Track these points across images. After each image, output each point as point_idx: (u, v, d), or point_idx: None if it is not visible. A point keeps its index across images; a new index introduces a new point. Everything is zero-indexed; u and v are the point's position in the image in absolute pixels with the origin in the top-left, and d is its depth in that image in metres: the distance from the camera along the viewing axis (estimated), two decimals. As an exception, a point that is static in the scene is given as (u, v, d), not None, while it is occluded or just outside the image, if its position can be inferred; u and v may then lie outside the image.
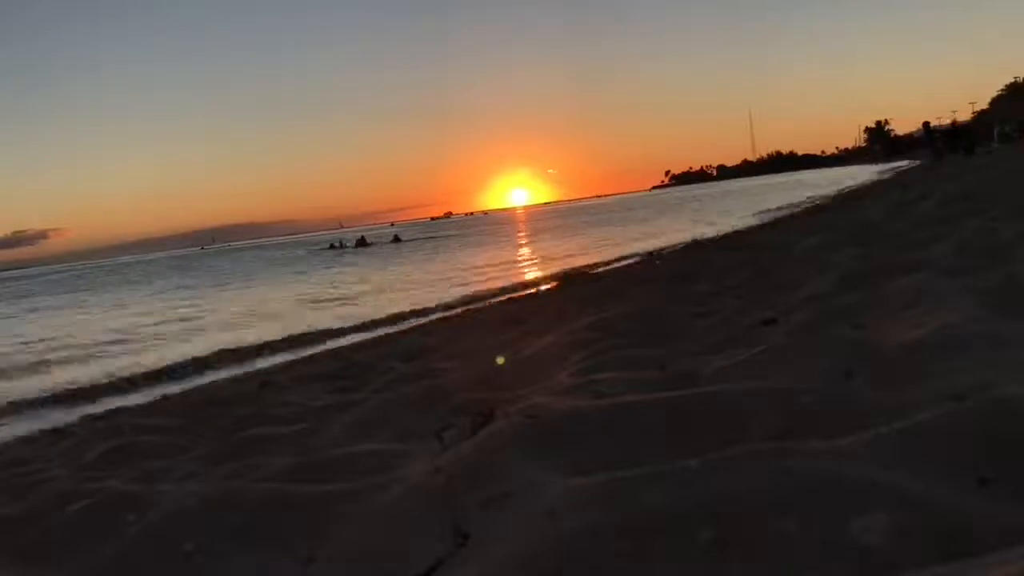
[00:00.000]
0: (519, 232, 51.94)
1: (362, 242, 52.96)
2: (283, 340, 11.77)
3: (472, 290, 16.50)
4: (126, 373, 10.85)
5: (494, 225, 78.79)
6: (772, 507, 1.42)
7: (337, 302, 18.06)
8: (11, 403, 9.42)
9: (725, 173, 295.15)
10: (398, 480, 2.25)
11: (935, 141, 32.84)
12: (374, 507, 2.11)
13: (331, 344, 10.89)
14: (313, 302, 18.71)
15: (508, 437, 2.16)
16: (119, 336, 16.55)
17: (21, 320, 25.28)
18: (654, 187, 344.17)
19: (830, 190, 34.27)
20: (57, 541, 2.31)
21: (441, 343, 7.08)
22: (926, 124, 35.09)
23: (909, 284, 3.78)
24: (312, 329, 12.78)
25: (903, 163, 57.51)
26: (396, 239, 56.15)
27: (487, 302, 13.32)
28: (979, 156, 27.56)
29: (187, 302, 23.78)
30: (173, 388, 9.15)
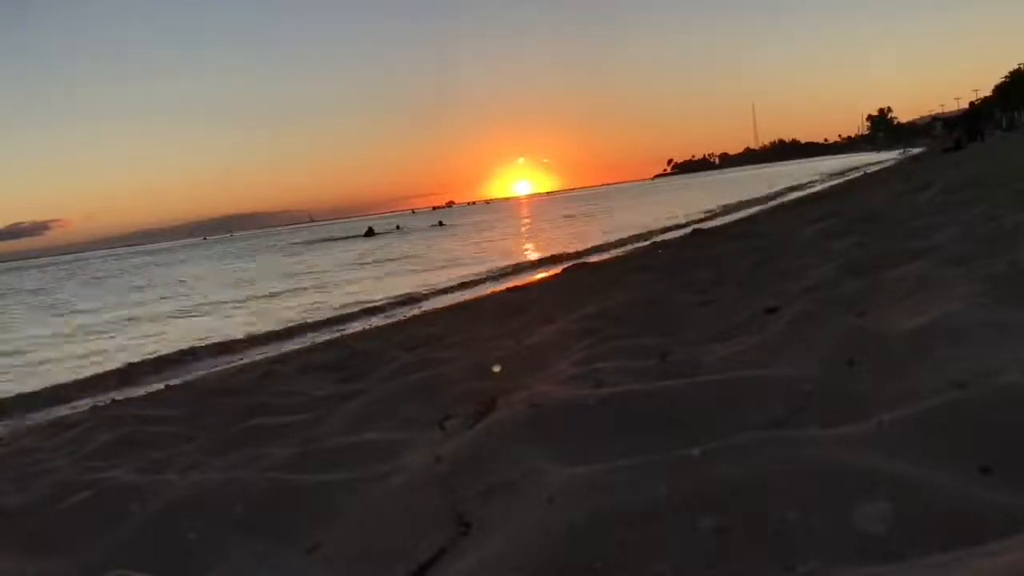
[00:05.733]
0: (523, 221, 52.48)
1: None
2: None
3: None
4: (129, 363, 10.89)
5: (498, 214, 79.74)
6: (773, 495, 1.42)
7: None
8: (13, 394, 9.46)
9: (728, 162, 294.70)
10: (401, 469, 2.25)
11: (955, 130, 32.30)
12: (377, 496, 2.11)
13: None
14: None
15: (510, 426, 2.16)
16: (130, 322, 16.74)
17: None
18: (656, 175, 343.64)
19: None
20: (60, 530, 2.32)
21: (444, 332, 7.08)
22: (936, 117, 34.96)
23: (911, 272, 3.77)
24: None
25: (911, 150, 56.78)
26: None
27: (489, 290, 13.33)
28: (977, 146, 27.36)
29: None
30: (176, 378, 9.16)
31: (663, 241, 15.65)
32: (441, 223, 60.93)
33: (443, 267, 20.52)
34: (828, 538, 1.30)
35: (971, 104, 33.01)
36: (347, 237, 56.59)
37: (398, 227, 61.56)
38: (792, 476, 1.47)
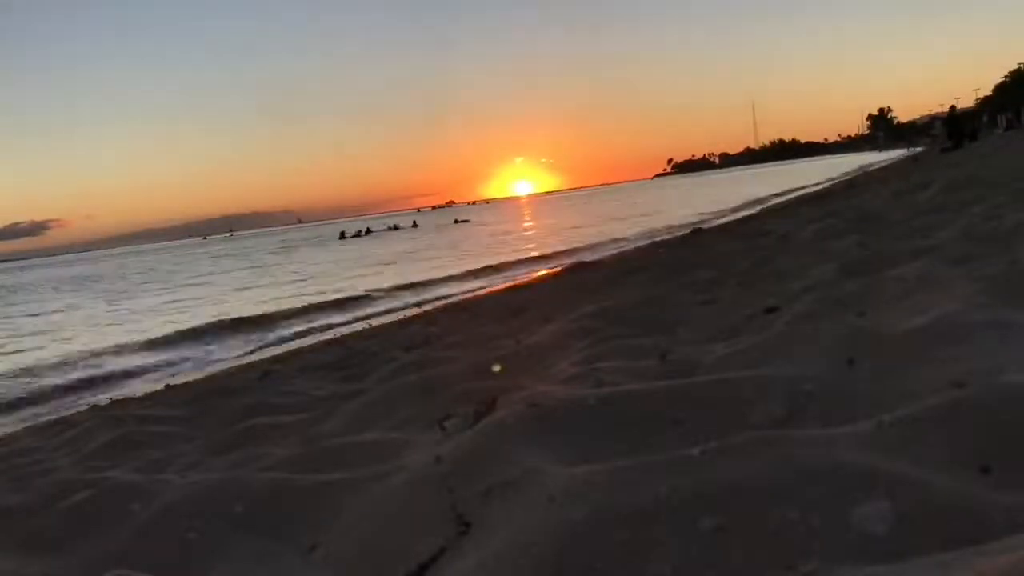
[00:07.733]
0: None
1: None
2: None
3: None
4: (130, 362, 10.90)
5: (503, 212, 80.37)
6: (774, 495, 1.42)
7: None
8: (15, 392, 9.46)
9: (728, 161, 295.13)
10: (401, 469, 2.25)
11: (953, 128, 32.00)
12: (376, 496, 2.11)
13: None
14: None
15: (510, 426, 2.16)
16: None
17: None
18: (656, 175, 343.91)
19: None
20: (60, 530, 2.32)
21: (443, 332, 7.08)
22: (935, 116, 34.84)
23: (911, 271, 3.77)
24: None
25: (916, 149, 56.31)
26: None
27: (489, 289, 13.34)
28: (980, 144, 27.41)
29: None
30: (176, 378, 9.16)
31: (663, 240, 15.65)
32: (458, 220, 62.83)
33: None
34: (828, 538, 1.30)
35: (952, 107, 32.68)
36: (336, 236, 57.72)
37: (415, 223, 66.26)
38: (792, 476, 1.47)
